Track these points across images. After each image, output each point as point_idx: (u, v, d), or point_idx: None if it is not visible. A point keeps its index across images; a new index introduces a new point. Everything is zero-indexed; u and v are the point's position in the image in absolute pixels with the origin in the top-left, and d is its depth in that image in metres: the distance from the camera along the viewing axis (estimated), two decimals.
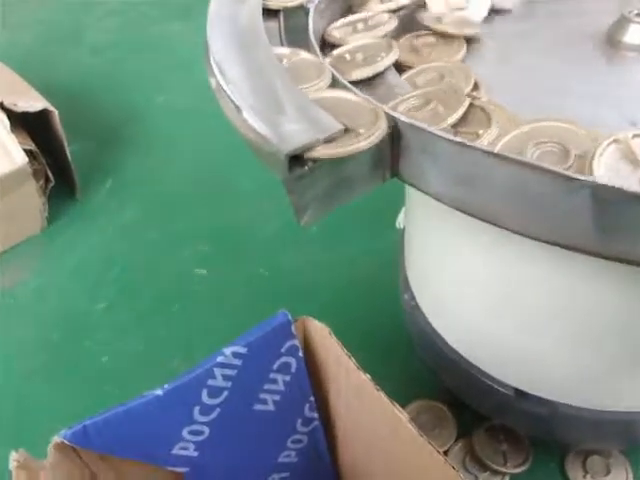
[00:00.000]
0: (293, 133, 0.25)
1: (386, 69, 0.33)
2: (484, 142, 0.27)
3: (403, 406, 0.35)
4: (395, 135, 0.27)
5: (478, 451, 0.47)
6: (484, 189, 0.26)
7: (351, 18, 0.38)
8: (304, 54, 0.32)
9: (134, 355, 0.57)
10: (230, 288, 0.62)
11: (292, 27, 0.36)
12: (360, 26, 0.36)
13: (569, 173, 0.24)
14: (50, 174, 0.70)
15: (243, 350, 0.35)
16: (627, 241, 0.24)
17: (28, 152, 0.66)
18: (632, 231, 0.24)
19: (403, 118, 0.27)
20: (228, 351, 0.35)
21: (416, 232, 0.44)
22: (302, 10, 0.37)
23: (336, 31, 0.37)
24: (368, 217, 0.66)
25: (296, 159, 0.25)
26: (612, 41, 0.36)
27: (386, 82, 0.32)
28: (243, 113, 0.27)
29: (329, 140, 0.25)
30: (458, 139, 0.26)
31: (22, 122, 0.69)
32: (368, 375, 0.35)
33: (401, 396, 0.36)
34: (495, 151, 0.25)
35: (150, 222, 0.71)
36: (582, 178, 0.23)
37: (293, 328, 0.36)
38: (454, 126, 0.28)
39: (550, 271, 0.34)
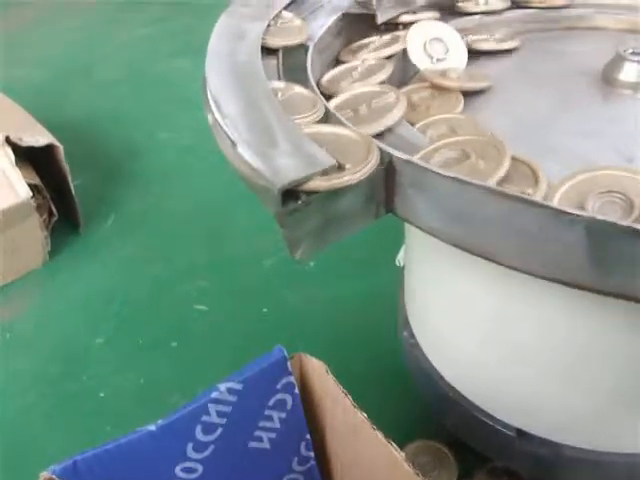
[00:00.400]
0: (287, 167, 0.25)
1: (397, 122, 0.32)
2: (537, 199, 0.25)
3: (401, 446, 0.34)
4: (390, 171, 0.27)
5: None
6: (480, 225, 0.26)
7: (346, 66, 0.38)
8: (298, 88, 0.32)
9: (132, 390, 0.57)
10: (229, 324, 0.62)
11: (291, 65, 0.36)
12: (356, 74, 0.36)
13: (562, 207, 0.23)
14: (54, 208, 0.70)
15: (238, 386, 0.35)
16: (624, 275, 0.24)
17: (32, 186, 0.66)
18: (628, 266, 0.24)
19: (398, 154, 0.27)
20: (223, 387, 0.34)
21: (415, 269, 0.44)
22: (301, 49, 0.37)
23: (331, 80, 0.36)
24: (366, 253, 0.66)
25: (289, 193, 0.25)
26: (608, 79, 0.36)
27: (398, 133, 0.31)
28: (238, 148, 0.27)
29: (322, 174, 0.25)
30: (453, 175, 0.25)
31: (27, 156, 0.69)
32: (364, 414, 0.34)
33: (400, 436, 0.35)
34: (493, 187, 0.25)
35: (151, 257, 0.71)
36: (576, 213, 0.23)
37: (289, 365, 0.36)
38: (499, 183, 0.27)
39: (548, 308, 0.33)
